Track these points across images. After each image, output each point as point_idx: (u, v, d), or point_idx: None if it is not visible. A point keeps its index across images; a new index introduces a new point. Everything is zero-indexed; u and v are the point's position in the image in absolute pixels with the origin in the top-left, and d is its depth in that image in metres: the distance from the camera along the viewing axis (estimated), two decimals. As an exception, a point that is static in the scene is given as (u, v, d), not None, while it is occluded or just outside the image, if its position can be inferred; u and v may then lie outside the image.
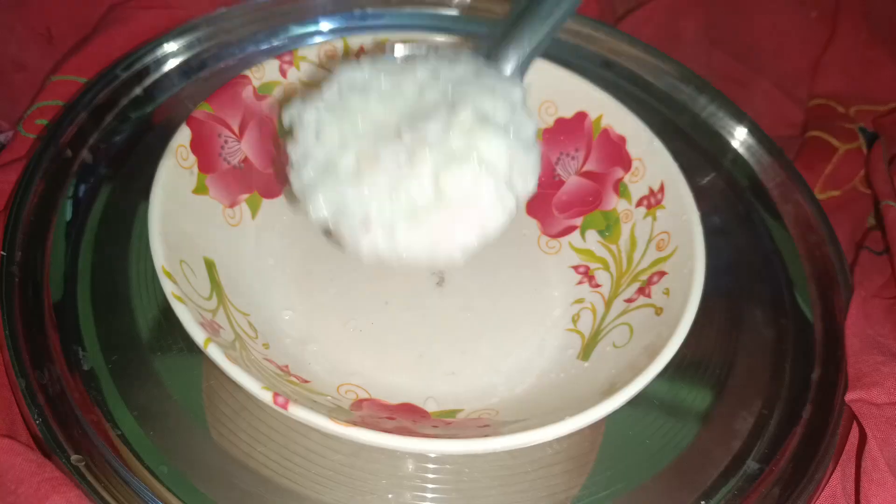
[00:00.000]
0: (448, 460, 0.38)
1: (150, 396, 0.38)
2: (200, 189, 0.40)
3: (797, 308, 0.46)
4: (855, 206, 0.54)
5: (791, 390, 0.42)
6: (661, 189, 0.42)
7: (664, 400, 0.41)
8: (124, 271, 0.41)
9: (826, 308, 0.45)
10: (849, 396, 0.40)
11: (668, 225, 0.41)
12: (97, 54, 0.50)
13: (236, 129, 0.42)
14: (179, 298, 0.34)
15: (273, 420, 0.37)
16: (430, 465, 0.37)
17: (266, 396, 0.31)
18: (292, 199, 0.43)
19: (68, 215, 0.43)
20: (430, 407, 0.38)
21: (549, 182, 0.47)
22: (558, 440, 0.38)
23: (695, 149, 0.53)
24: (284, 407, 0.31)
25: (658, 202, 0.42)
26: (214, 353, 0.32)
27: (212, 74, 0.51)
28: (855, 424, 0.40)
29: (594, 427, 0.39)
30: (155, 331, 0.40)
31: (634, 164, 0.44)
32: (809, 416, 0.41)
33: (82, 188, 0.44)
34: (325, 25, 0.55)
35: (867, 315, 0.43)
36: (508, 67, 0.36)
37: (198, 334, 0.33)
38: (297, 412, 0.31)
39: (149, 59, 0.50)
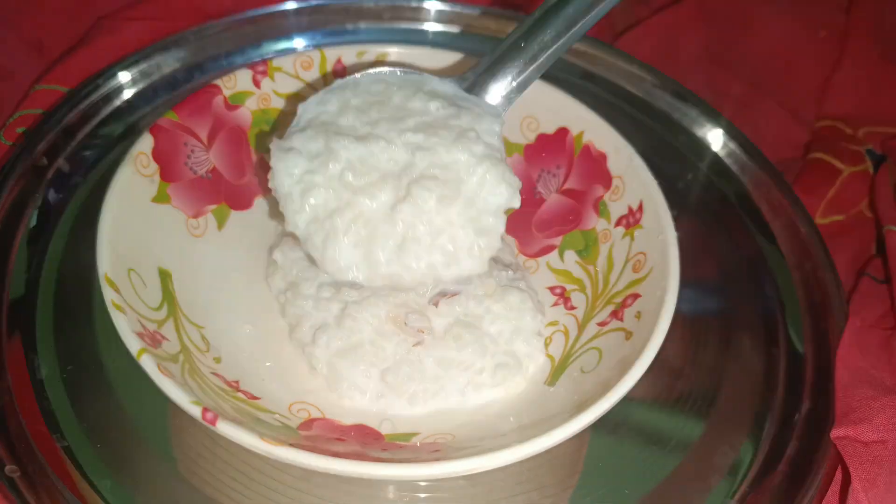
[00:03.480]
0: (406, 486, 0.36)
1: (103, 408, 0.37)
2: (161, 198, 0.39)
3: (788, 336, 0.43)
4: (860, 231, 0.51)
5: (776, 425, 0.39)
6: (640, 208, 0.40)
7: (643, 429, 0.39)
8: (87, 280, 0.41)
9: (818, 337, 0.42)
10: (835, 433, 0.37)
11: (645, 245, 0.39)
12: (82, 64, 0.50)
13: (204, 139, 0.42)
14: (119, 307, 0.33)
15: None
16: (387, 492, 0.36)
17: (195, 411, 0.30)
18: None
19: (33, 222, 0.42)
20: (386, 429, 0.36)
21: (529, 199, 0.45)
22: (532, 469, 0.36)
23: (689, 168, 0.50)
24: (213, 423, 0.30)
25: (636, 221, 0.41)
26: (147, 363, 0.31)
27: (198, 86, 0.51)
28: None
29: (574, 456, 0.38)
30: (113, 342, 0.38)
31: (615, 182, 0.42)
32: (794, 453, 0.38)
33: (51, 195, 0.44)
34: (315, 39, 0.55)
35: (862, 345, 0.40)
36: (492, 98, 0.39)
37: (132, 344, 0.32)
38: (226, 429, 0.30)
39: (132, 70, 0.50)
